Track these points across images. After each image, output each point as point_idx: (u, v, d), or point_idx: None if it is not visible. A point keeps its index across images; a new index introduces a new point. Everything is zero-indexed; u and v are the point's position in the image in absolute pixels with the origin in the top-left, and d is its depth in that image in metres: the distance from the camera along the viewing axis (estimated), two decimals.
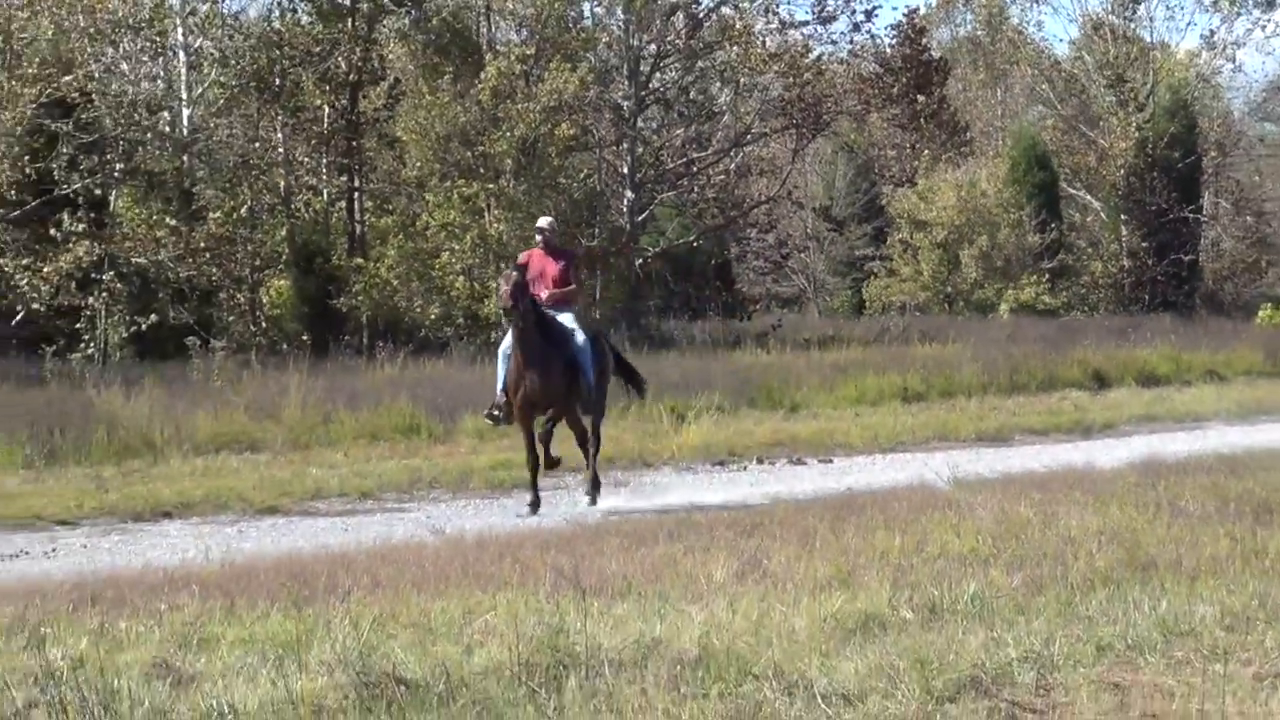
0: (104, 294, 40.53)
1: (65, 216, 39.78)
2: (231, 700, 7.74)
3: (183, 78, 44.91)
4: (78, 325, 40.93)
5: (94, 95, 41.66)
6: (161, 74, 45.68)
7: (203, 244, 42.34)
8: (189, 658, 8.86)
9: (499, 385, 19.78)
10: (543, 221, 20.77)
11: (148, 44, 44.45)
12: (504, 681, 7.98)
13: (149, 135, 43.78)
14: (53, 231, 39.73)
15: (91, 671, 8.04)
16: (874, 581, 10.55)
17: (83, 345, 40.29)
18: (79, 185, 40.37)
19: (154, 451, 24.52)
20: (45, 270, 39.48)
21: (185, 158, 44.55)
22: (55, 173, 40.26)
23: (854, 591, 10.18)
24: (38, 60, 40.66)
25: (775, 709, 7.47)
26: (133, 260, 41.60)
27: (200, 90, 45.20)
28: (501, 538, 15.06)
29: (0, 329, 40.44)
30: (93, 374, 31.52)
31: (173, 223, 42.07)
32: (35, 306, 39.80)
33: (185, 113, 44.72)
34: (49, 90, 40.06)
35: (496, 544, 14.21)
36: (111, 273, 40.67)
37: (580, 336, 19.75)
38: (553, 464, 20.11)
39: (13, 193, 40.15)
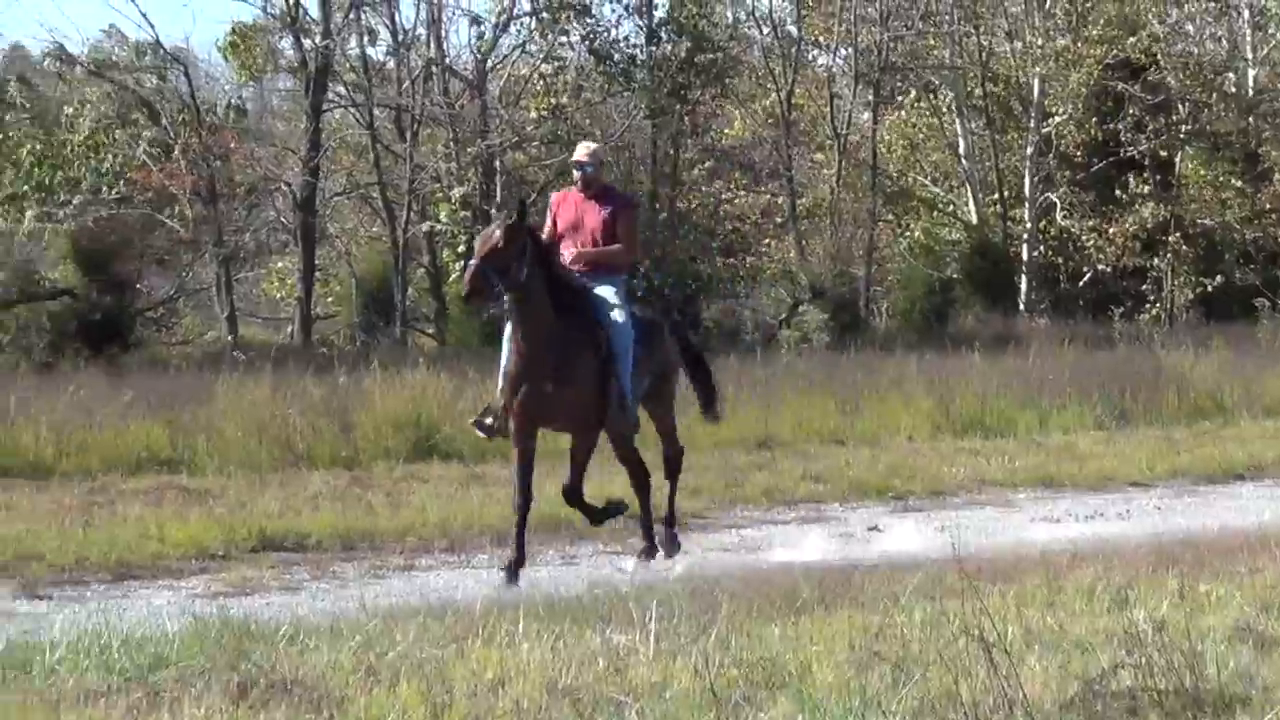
0: (1170, 255, 40.76)
1: (1131, 178, 40.28)
2: None
3: (1247, 38, 44.42)
4: (1144, 286, 41.38)
5: (1159, 56, 41.78)
6: (1225, 34, 45.27)
7: (1269, 205, 41.89)
8: (1271, 622, 8.83)
9: (499, 381, 13.50)
10: (581, 150, 13.73)
11: (1211, 4, 44.22)
12: None
13: (1214, 96, 43.51)
14: (1119, 193, 40.30)
15: (1174, 634, 8.03)
16: None
17: (1149, 306, 40.70)
18: (1145, 147, 40.69)
19: (1224, 413, 24.54)
20: (1111, 232, 40.13)
21: (1250, 119, 44.04)
22: (1121, 134, 40.77)
23: None
24: (1103, 22, 41.24)
25: None
26: (1199, 222, 41.58)
27: (1265, 50, 44.57)
28: None
29: (1069, 290, 41.43)
30: (1160, 335, 31.82)
31: (1238, 184, 41.85)
32: (1102, 268, 40.56)
33: (1250, 73, 44.22)
34: (1115, 52, 40.57)
35: None
36: (1178, 234, 40.80)
37: (620, 315, 13.22)
38: (610, 513, 13.67)
39: (1080, 155, 41.01)
